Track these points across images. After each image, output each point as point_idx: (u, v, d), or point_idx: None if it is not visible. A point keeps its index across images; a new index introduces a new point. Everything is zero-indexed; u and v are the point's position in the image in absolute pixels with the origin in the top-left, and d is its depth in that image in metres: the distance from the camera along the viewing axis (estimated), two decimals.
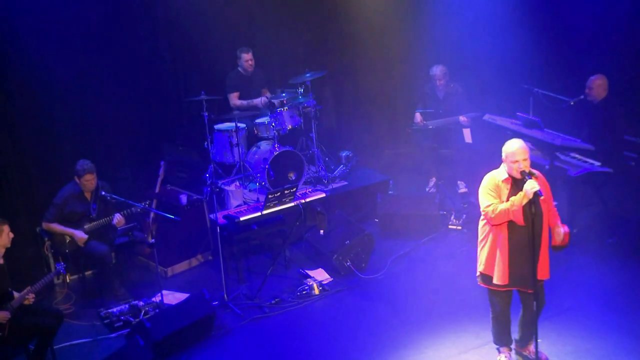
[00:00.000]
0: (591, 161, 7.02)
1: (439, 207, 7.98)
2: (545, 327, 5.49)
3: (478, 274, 5.19)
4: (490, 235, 5.03)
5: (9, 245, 5.78)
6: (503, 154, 4.99)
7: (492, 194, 4.97)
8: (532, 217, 4.80)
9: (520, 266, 4.96)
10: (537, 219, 4.85)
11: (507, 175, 4.98)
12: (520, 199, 4.82)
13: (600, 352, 5.43)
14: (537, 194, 4.73)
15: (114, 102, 8.13)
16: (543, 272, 4.99)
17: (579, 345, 5.52)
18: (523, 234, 4.90)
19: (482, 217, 5.11)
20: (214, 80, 8.91)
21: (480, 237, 5.16)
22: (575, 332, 5.70)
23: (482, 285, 5.21)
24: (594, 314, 5.93)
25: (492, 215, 4.90)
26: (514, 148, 4.92)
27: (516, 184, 4.95)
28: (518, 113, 7.48)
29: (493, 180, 5.02)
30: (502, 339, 5.38)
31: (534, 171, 4.92)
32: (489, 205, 4.92)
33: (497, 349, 5.42)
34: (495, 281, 5.03)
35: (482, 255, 5.11)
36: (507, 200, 4.91)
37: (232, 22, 9.09)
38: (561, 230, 5.01)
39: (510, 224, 4.92)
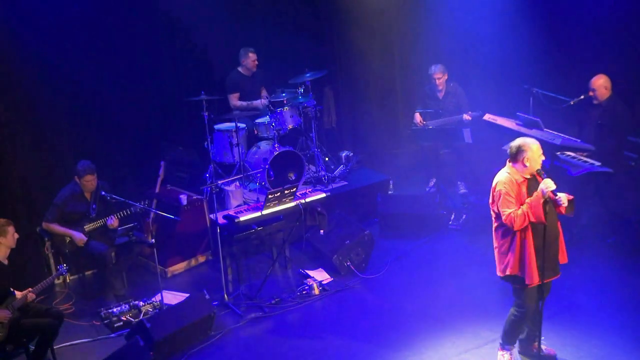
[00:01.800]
0: (591, 161, 7.02)
1: (439, 207, 7.97)
2: (546, 327, 5.47)
3: (504, 275, 5.11)
4: (515, 238, 4.98)
5: (13, 246, 5.82)
6: (526, 154, 4.92)
7: (513, 199, 4.93)
8: (546, 215, 4.84)
9: (542, 260, 4.96)
10: (552, 215, 4.92)
11: (522, 177, 4.98)
12: (537, 199, 4.83)
13: (600, 352, 5.43)
14: (553, 193, 4.78)
15: (114, 102, 8.13)
16: (563, 256, 5.12)
17: (579, 345, 5.53)
18: (541, 229, 4.93)
19: (497, 223, 5.09)
20: (214, 80, 8.91)
21: (500, 241, 5.10)
22: (575, 332, 5.71)
23: (513, 286, 5.15)
24: (594, 314, 5.93)
25: (514, 221, 4.87)
26: (533, 143, 4.96)
27: (529, 184, 4.99)
28: (518, 113, 7.47)
29: (511, 181, 4.98)
30: (514, 339, 5.37)
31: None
32: (510, 213, 4.89)
33: (503, 346, 5.39)
34: (529, 281, 4.99)
35: (510, 259, 5.03)
36: (527, 199, 4.93)
37: (232, 22, 9.09)
38: (564, 198, 4.98)
39: (532, 223, 4.92)
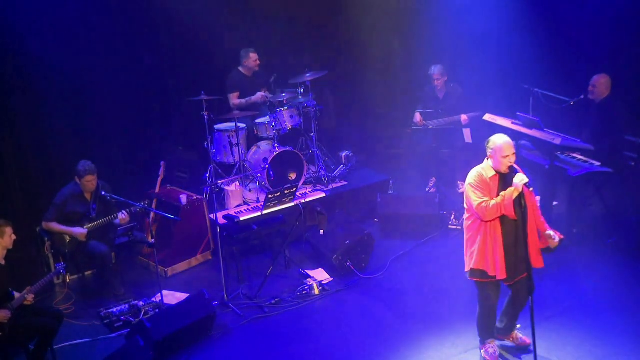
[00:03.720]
0: (591, 161, 7.02)
1: (439, 207, 7.98)
2: (545, 327, 5.49)
3: (468, 269, 5.22)
4: (482, 231, 5.08)
5: (10, 247, 5.80)
6: (490, 150, 5.06)
7: (481, 191, 5.03)
8: (522, 210, 4.93)
9: (514, 257, 5.06)
10: (525, 211, 4.97)
11: (494, 172, 5.06)
12: (510, 193, 4.92)
13: (601, 352, 5.43)
14: (526, 186, 4.87)
15: (114, 102, 8.14)
16: (538, 261, 5.15)
17: (579, 345, 5.52)
18: (514, 226, 5.02)
19: (467, 215, 5.21)
20: (214, 80, 8.91)
21: (467, 234, 5.22)
22: (575, 332, 5.71)
23: (475, 280, 5.23)
24: (595, 314, 5.92)
25: (486, 212, 4.96)
26: (502, 143, 5.01)
27: (503, 180, 5.05)
28: (518, 113, 7.48)
29: (481, 177, 5.08)
30: (490, 332, 5.43)
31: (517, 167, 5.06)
32: (482, 202, 4.98)
33: (482, 341, 5.45)
34: (492, 274, 5.07)
35: (475, 250, 5.13)
36: (497, 196, 5.00)
37: (232, 22, 9.09)
38: (555, 236, 5.07)
39: (502, 217, 5.00)
